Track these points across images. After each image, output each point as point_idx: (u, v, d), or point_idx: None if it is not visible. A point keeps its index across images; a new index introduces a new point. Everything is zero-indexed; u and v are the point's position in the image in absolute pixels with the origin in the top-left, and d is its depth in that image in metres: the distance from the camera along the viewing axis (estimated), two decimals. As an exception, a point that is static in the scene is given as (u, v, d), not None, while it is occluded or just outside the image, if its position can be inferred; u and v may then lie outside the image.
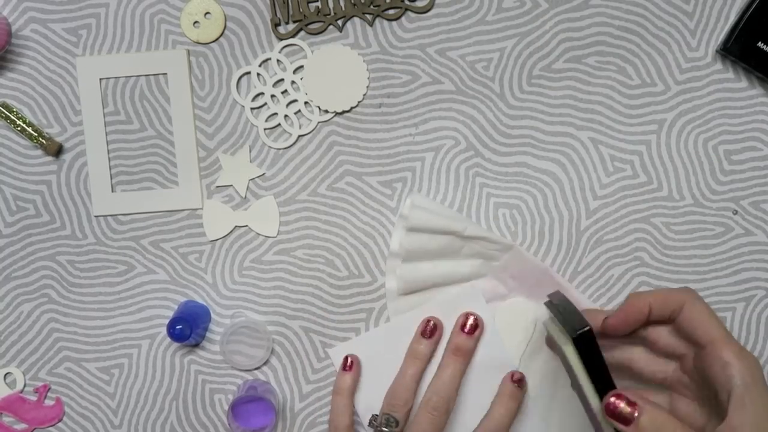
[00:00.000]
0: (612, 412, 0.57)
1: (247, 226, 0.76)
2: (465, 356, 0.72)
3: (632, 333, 0.63)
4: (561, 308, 0.63)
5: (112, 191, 0.76)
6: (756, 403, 0.56)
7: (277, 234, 0.76)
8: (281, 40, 0.75)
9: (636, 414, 0.56)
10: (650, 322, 0.62)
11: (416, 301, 0.75)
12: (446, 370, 0.72)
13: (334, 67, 0.74)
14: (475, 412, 0.73)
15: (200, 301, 0.76)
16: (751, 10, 0.70)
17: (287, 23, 0.74)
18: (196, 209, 0.76)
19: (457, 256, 0.74)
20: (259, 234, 0.76)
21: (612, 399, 0.56)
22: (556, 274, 0.74)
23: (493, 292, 0.74)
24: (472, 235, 0.73)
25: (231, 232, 0.76)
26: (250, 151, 0.75)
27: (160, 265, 0.76)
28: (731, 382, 0.56)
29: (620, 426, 0.56)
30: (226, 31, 0.75)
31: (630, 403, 0.56)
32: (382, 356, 0.75)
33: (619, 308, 0.62)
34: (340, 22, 0.74)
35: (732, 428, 0.56)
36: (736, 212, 0.74)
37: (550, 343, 0.68)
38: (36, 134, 0.75)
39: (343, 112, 0.75)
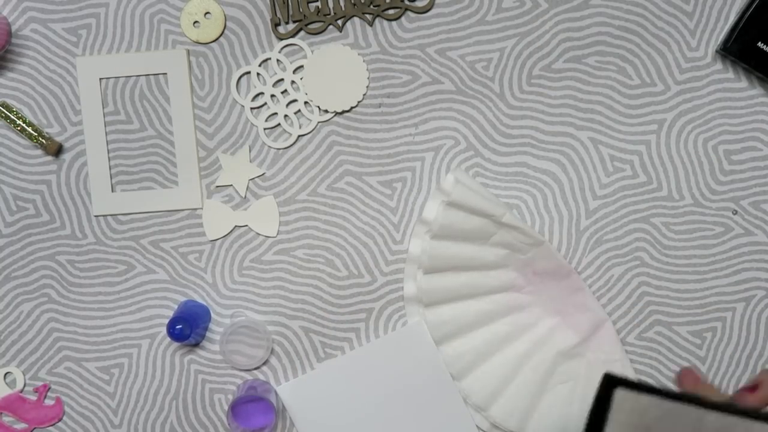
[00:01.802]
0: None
1: (247, 226, 0.76)
2: None
3: None
4: None
5: (112, 191, 0.76)
6: None
7: (277, 234, 0.76)
8: (281, 39, 0.75)
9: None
10: None
11: (446, 313, 0.75)
12: None
13: (334, 67, 0.74)
14: None
15: (200, 300, 0.76)
16: (750, 10, 0.70)
17: (287, 23, 0.74)
18: (196, 209, 0.76)
19: (486, 242, 0.73)
20: (259, 234, 0.76)
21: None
22: (578, 278, 0.74)
23: (511, 283, 0.74)
24: (508, 223, 0.72)
25: (231, 231, 0.76)
26: (250, 151, 0.75)
27: (160, 264, 0.76)
28: None
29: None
30: (226, 31, 0.75)
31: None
32: (332, 394, 0.76)
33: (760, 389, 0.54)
34: (340, 22, 0.74)
35: None
36: (736, 212, 0.74)
37: None
38: (36, 134, 0.75)
39: (343, 112, 0.75)
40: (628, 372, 0.73)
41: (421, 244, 0.74)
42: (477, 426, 0.75)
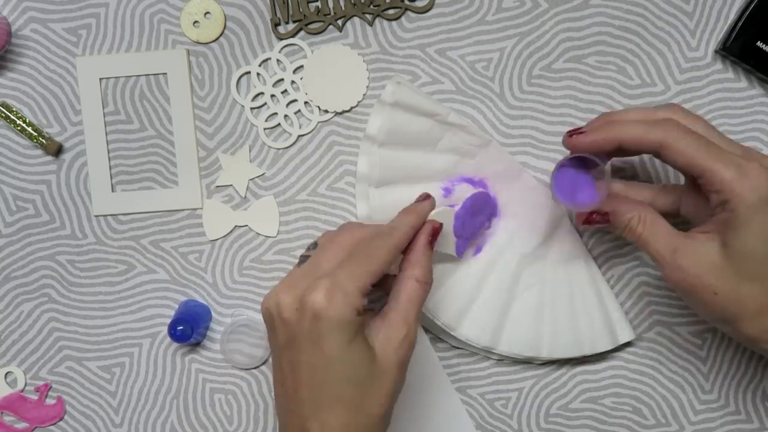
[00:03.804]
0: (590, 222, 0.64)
1: (247, 225, 0.76)
2: (415, 214, 0.65)
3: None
4: None
5: (112, 191, 0.76)
6: (757, 230, 0.56)
7: (277, 234, 0.76)
8: (281, 39, 0.75)
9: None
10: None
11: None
12: None
13: (334, 67, 0.74)
14: None
15: (200, 300, 0.76)
16: (750, 10, 0.70)
17: (287, 23, 0.74)
18: (196, 209, 0.76)
19: (434, 149, 0.72)
20: (259, 234, 0.76)
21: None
22: (529, 176, 0.73)
23: (465, 194, 0.73)
24: (455, 123, 0.71)
25: (231, 231, 0.76)
26: (250, 151, 0.75)
27: (160, 264, 0.76)
28: (726, 206, 0.57)
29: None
30: (226, 31, 0.75)
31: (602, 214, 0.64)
32: None
33: (589, 131, 0.62)
34: (340, 22, 0.74)
35: (736, 253, 0.57)
36: None
37: None
38: (36, 134, 0.75)
39: (343, 112, 0.75)
40: (592, 267, 0.73)
41: (369, 160, 0.72)
42: (448, 342, 0.75)
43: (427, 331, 0.75)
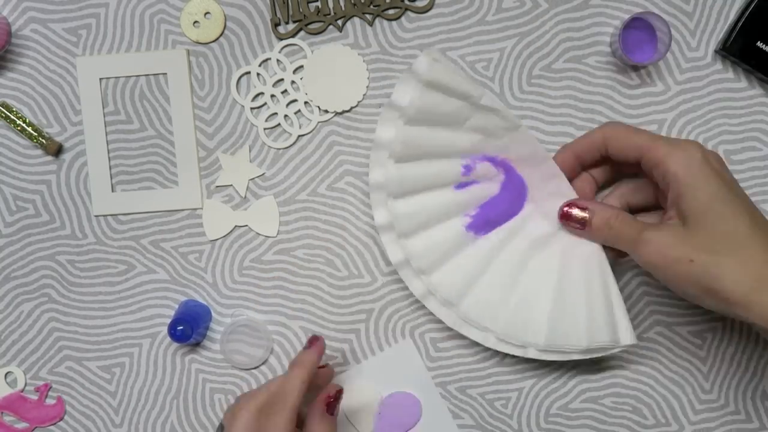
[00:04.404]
0: (567, 218, 0.68)
1: (247, 225, 0.76)
2: (303, 368, 0.66)
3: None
4: None
5: (112, 191, 0.76)
6: (700, 188, 0.60)
7: (277, 234, 0.76)
8: (281, 40, 0.75)
9: (588, 216, 0.67)
10: (593, 165, 0.70)
11: (417, 204, 0.71)
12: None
13: (334, 67, 0.74)
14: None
15: (200, 300, 0.76)
16: (750, 10, 0.70)
17: (287, 23, 0.74)
18: (196, 209, 0.76)
19: (460, 127, 0.70)
20: (259, 234, 0.76)
21: (565, 208, 0.68)
22: (553, 164, 0.71)
23: (485, 173, 0.72)
24: (487, 105, 0.68)
25: (231, 231, 0.76)
26: (249, 151, 0.75)
27: (160, 264, 0.76)
28: (667, 177, 0.62)
29: (577, 229, 0.68)
30: (226, 31, 0.75)
31: (581, 208, 0.68)
32: None
33: (556, 157, 0.70)
34: (339, 22, 0.74)
35: (693, 217, 0.61)
36: None
37: None
38: (36, 134, 0.75)
39: (343, 112, 0.75)
40: (603, 264, 0.71)
41: (392, 131, 0.69)
42: (444, 322, 0.74)
43: (429, 313, 0.75)
